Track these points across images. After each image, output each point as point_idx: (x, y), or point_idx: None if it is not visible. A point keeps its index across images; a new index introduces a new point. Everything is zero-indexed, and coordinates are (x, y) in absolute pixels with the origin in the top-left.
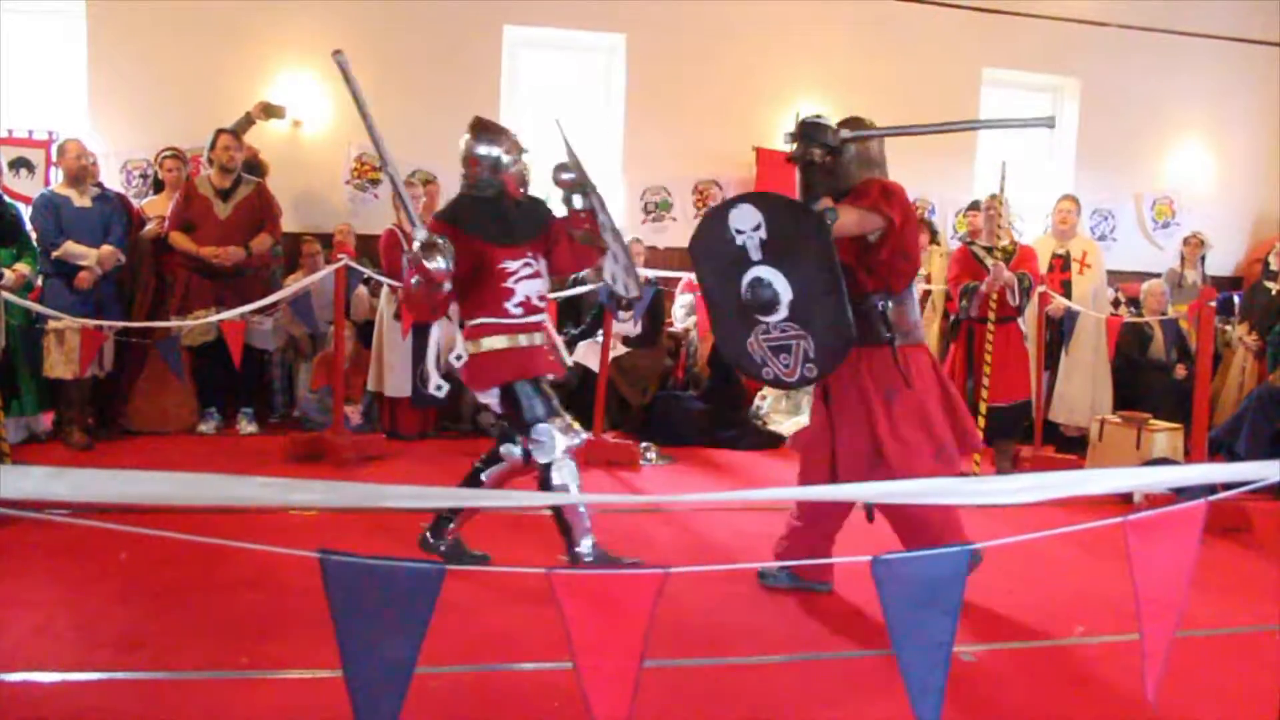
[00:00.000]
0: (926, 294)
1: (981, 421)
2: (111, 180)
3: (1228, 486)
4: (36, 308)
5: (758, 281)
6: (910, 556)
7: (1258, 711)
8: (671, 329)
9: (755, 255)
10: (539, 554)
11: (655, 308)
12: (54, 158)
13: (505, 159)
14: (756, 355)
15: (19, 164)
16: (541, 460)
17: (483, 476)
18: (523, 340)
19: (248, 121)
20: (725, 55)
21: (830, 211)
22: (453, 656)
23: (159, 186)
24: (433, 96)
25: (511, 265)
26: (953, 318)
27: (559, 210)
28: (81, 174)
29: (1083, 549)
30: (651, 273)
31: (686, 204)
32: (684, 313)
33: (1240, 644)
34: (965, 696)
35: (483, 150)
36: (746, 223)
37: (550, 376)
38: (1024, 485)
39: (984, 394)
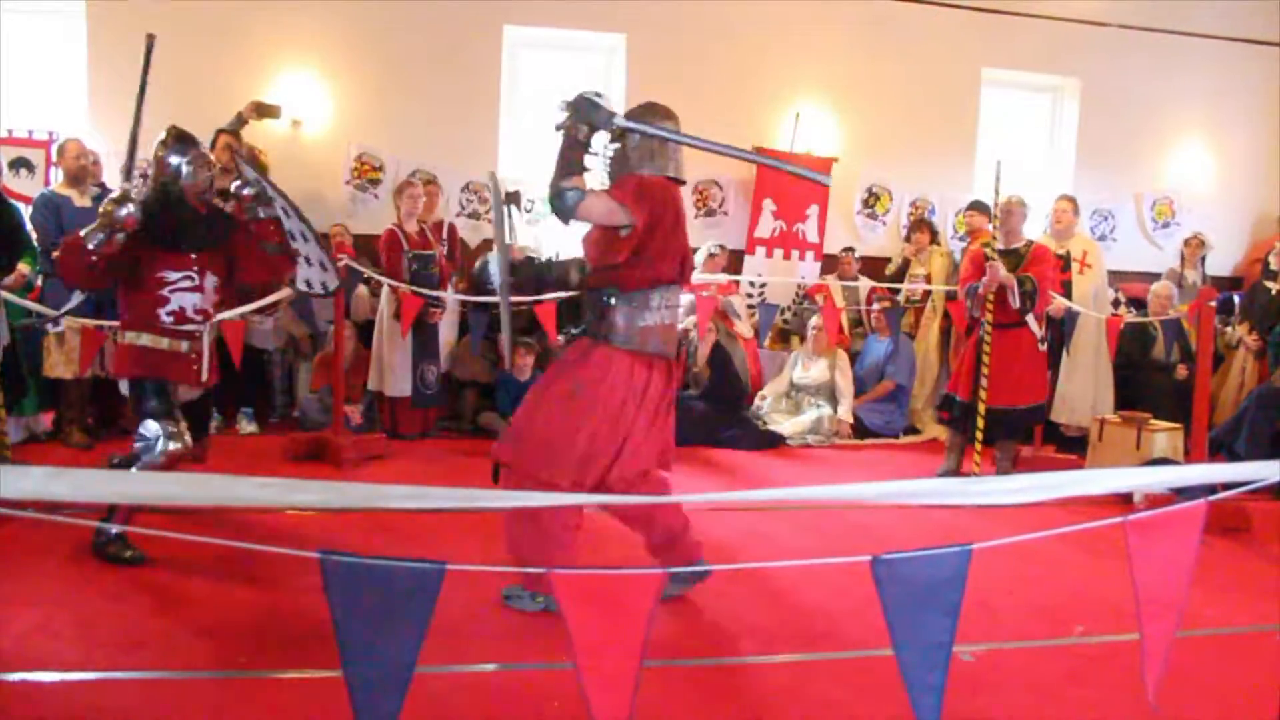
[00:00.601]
0: (926, 294)
1: (980, 422)
2: (112, 180)
3: (1228, 486)
4: (37, 308)
5: (485, 261)
6: (910, 556)
7: (1258, 711)
8: None
9: (504, 229)
10: None
11: None
12: (54, 158)
13: (186, 169)
14: (504, 323)
15: (19, 164)
16: (140, 452)
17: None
18: (165, 343)
19: (240, 122)
20: (725, 55)
21: (574, 192)
22: (453, 656)
23: None
24: (433, 96)
25: (171, 275)
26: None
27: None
28: (81, 174)
29: (1083, 549)
30: None
31: (687, 204)
32: (681, 312)
33: (1240, 644)
34: (965, 696)
35: (172, 160)
36: (494, 198)
37: (190, 389)
38: (1024, 485)
39: (982, 394)
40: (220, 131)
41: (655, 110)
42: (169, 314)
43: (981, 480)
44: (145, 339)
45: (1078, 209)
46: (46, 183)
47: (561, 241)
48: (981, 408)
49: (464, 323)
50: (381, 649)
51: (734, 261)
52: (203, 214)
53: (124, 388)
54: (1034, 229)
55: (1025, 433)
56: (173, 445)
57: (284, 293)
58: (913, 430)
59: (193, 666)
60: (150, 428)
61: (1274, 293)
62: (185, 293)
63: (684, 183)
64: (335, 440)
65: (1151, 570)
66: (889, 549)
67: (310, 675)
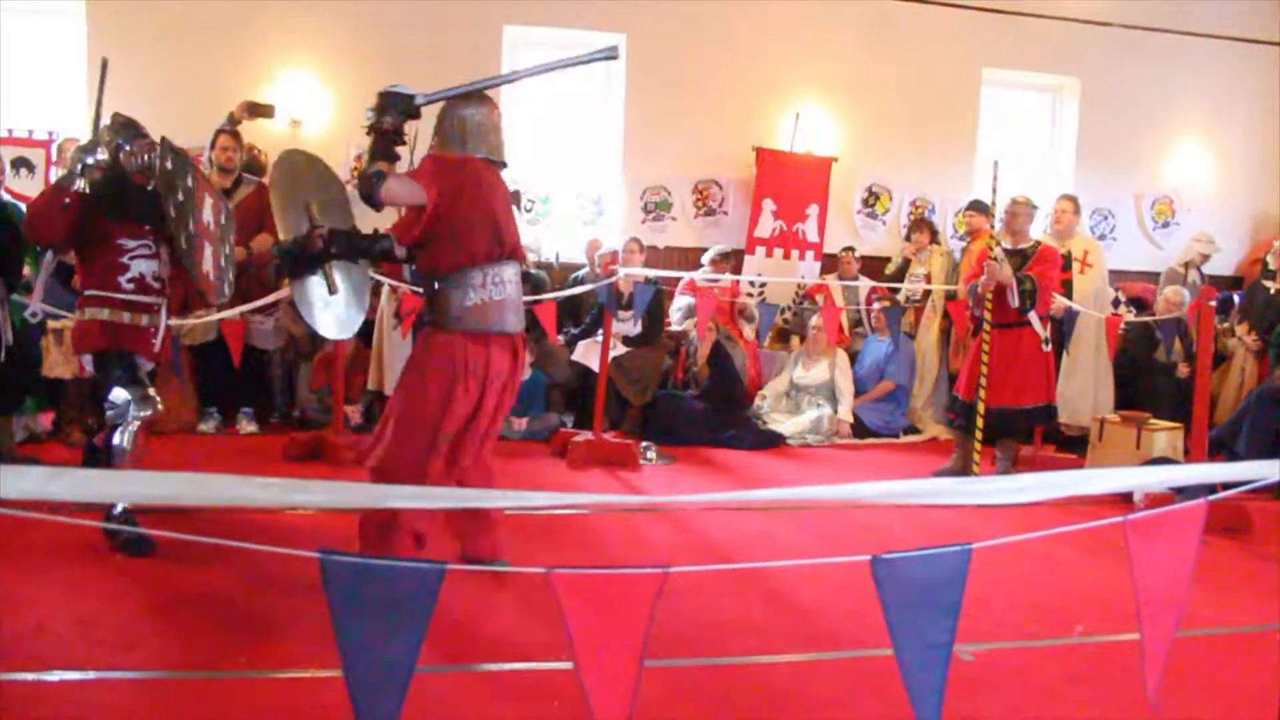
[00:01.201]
0: (926, 294)
1: (980, 421)
2: None
3: (1227, 486)
4: (36, 305)
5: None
6: (910, 556)
7: (1258, 711)
8: (671, 329)
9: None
10: (539, 554)
11: (655, 308)
12: (54, 158)
13: (124, 149)
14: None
15: (19, 164)
16: (114, 420)
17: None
18: (126, 317)
19: (233, 121)
20: (725, 55)
21: (378, 176)
22: (453, 656)
23: None
24: None
25: (129, 243)
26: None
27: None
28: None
29: (1083, 549)
30: (651, 272)
31: (686, 204)
32: (680, 315)
33: (1240, 644)
34: (965, 696)
35: (115, 140)
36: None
37: (145, 363)
38: (1024, 485)
39: (981, 394)
40: (219, 132)
41: (469, 97)
42: (130, 281)
43: (981, 480)
44: (106, 313)
45: (1078, 209)
46: (46, 182)
47: (561, 242)
48: (981, 407)
49: None
50: (381, 649)
51: (734, 261)
52: (147, 189)
53: (88, 364)
54: (1035, 229)
55: (1026, 433)
56: (145, 410)
57: (284, 293)
58: (913, 430)
59: (193, 666)
60: (120, 395)
61: (1273, 292)
62: (143, 259)
63: (503, 164)
64: (335, 440)
65: (1151, 570)
66: (889, 549)
67: (310, 675)
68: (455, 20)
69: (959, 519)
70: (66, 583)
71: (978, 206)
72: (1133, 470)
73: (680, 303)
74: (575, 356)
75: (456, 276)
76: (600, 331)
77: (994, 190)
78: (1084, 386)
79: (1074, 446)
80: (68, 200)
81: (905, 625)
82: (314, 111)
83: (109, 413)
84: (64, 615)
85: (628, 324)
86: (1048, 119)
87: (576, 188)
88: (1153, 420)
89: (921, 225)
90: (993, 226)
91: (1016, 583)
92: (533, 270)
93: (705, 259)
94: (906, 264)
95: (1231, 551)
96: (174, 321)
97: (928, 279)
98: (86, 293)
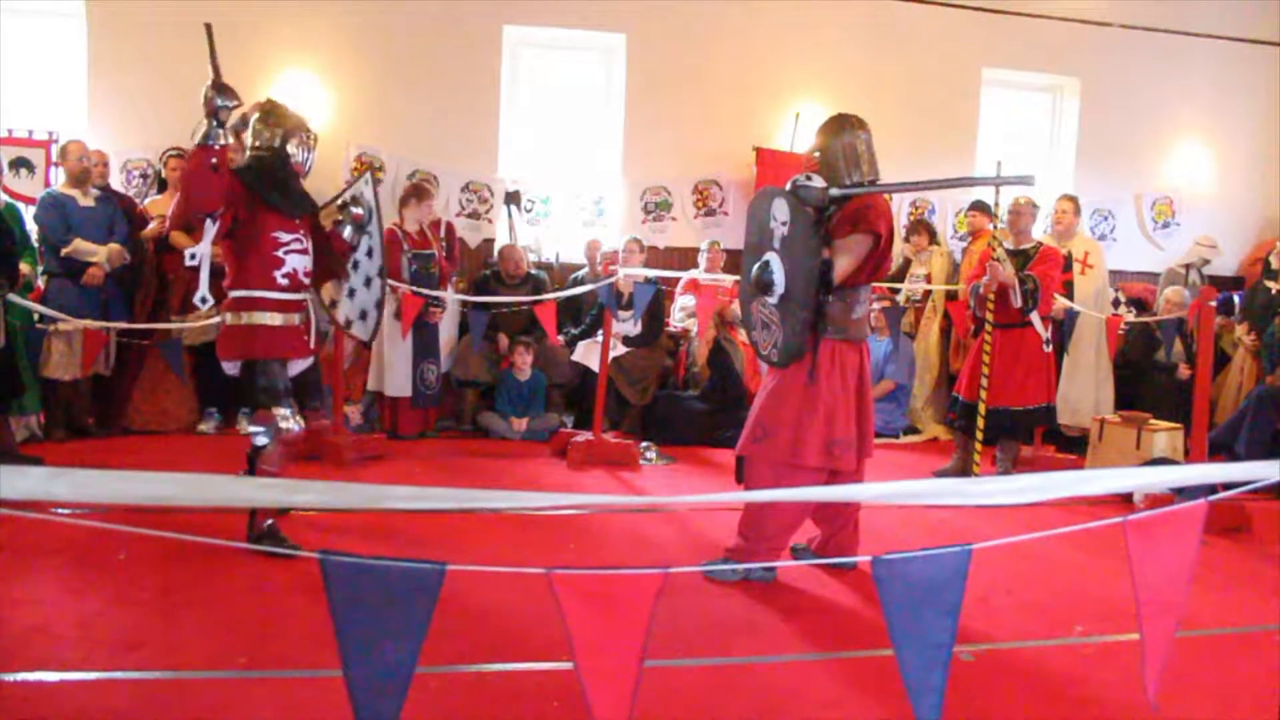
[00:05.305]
0: (927, 294)
1: (980, 422)
2: (118, 183)
3: (1228, 486)
4: (39, 308)
5: (766, 265)
6: (910, 556)
7: (1258, 711)
8: (671, 329)
9: (775, 242)
10: (539, 554)
11: (655, 307)
12: (55, 158)
13: (293, 146)
14: (753, 318)
15: (19, 164)
16: (253, 434)
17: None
18: (278, 319)
19: (244, 124)
20: (725, 55)
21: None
22: (453, 656)
23: (163, 185)
24: (433, 96)
25: (284, 236)
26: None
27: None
28: (84, 175)
29: (1083, 549)
30: (651, 272)
31: (686, 204)
32: (683, 315)
33: (1240, 644)
34: (965, 696)
35: (267, 132)
36: (781, 214)
37: (300, 362)
38: (1024, 485)
39: (982, 394)
40: None
41: (847, 121)
42: (284, 276)
43: (981, 480)
44: (258, 317)
45: (1079, 209)
46: (47, 183)
47: (561, 242)
48: (982, 408)
49: (464, 323)
50: (381, 649)
51: (734, 261)
52: (301, 181)
53: (232, 369)
54: (1035, 229)
55: (1026, 433)
56: (287, 426)
57: None
58: (913, 430)
59: (193, 666)
60: (256, 432)
61: (1274, 292)
62: (296, 254)
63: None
64: (335, 440)
65: (1151, 570)
66: (889, 549)
67: (310, 675)
68: (455, 20)
69: (959, 519)
70: (67, 583)
71: (980, 206)
72: (1133, 470)
73: (683, 302)
74: (575, 356)
75: (851, 291)
76: (600, 331)
77: (997, 190)
78: (1084, 387)
79: (1074, 447)
80: (214, 159)
81: (905, 625)
82: (314, 111)
83: (252, 427)
84: (65, 615)
85: (628, 324)
86: (1048, 119)
87: (576, 188)
88: (1153, 420)
89: (920, 227)
90: (996, 226)
91: (1016, 583)
92: (533, 270)
93: (703, 247)
94: (906, 264)
95: (1231, 551)
96: (176, 324)
97: (928, 279)
98: (236, 294)
